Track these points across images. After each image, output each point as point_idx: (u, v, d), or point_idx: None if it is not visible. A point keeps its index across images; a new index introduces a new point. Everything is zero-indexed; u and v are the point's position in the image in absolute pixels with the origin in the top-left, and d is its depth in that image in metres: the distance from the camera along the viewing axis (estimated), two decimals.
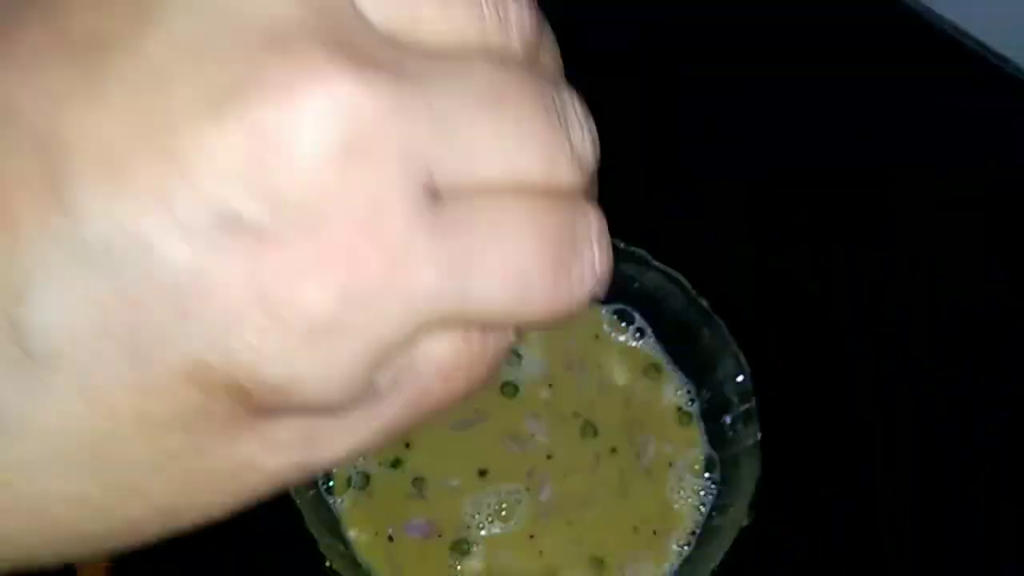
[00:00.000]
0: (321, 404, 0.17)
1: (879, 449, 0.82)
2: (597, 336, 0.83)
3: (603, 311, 0.85)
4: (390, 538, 0.73)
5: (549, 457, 0.74)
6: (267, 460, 0.18)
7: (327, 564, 0.64)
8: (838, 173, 0.93)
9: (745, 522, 0.67)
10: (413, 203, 0.16)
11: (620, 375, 0.80)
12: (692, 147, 0.93)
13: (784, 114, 0.95)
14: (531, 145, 0.18)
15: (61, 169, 0.14)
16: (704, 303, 0.77)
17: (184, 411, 0.16)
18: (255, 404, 0.16)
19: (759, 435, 0.70)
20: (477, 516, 0.72)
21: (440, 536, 0.71)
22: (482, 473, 0.74)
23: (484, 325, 0.19)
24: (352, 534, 0.74)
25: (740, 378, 0.74)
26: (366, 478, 0.76)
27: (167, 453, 0.17)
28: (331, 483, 0.76)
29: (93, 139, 0.14)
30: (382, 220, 0.16)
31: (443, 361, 0.19)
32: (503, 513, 0.72)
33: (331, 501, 0.75)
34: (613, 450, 0.76)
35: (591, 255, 0.20)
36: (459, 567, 0.70)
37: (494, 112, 0.17)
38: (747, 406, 0.73)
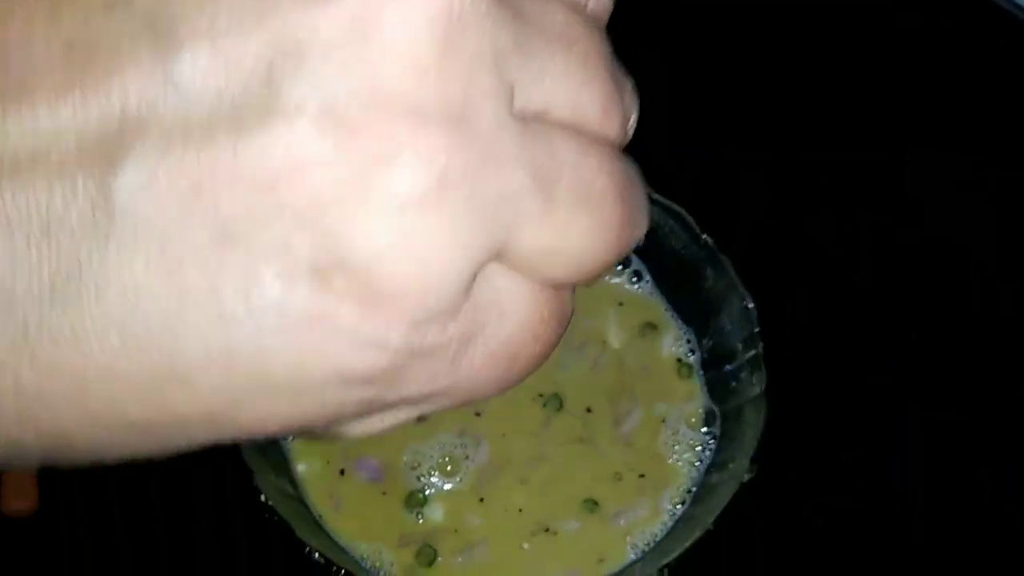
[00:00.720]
0: (411, 297, 0.16)
1: (890, 403, 0.75)
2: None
3: None
4: (341, 472, 0.66)
5: (477, 415, 0.66)
6: (349, 367, 0.17)
7: (262, 499, 0.58)
8: (862, 108, 0.86)
9: (746, 477, 0.60)
10: (504, 104, 0.16)
11: (615, 336, 0.73)
12: (699, 70, 0.86)
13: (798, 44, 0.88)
14: (593, 89, 0.19)
15: (168, 40, 0.15)
16: (708, 240, 0.70)
17: (261, 300, 0.15)
18: (345, 295, 0.16)
19: (764, 384, 0.63)
20: (421, 467, 0.65)
21: (388, 483, 0.64)
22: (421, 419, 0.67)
23: (557, 270, 0.19)
24: (301, 467, 0.67)
25: (746, 323, 0.67)
26: None
27: (232, 342, 0.16)
28: None
29: (201, 16, 0.15)
30: (476, 112, 0.16)
31: (528, 314, 0.19)
32: (448, 468, 0.65)
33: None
34: (588, 410, 0.69)
35: (645, 202, 0.21)
36: (420, 519, 0.63)
37: (566, 51, 0.18)
38: (752, 352, 0.66)
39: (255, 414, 0.17)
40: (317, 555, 0.56)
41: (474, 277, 0.17)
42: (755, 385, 0.65)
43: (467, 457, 0.66)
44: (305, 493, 0.65)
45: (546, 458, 0.67)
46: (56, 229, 0.15)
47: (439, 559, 0.62)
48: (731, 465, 0.63)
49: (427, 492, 0.64)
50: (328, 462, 0.67)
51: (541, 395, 0.68)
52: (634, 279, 0.77)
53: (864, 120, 0.86)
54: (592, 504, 0.65)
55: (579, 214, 0.18)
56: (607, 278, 0.77)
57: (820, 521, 0.71)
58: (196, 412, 0.17)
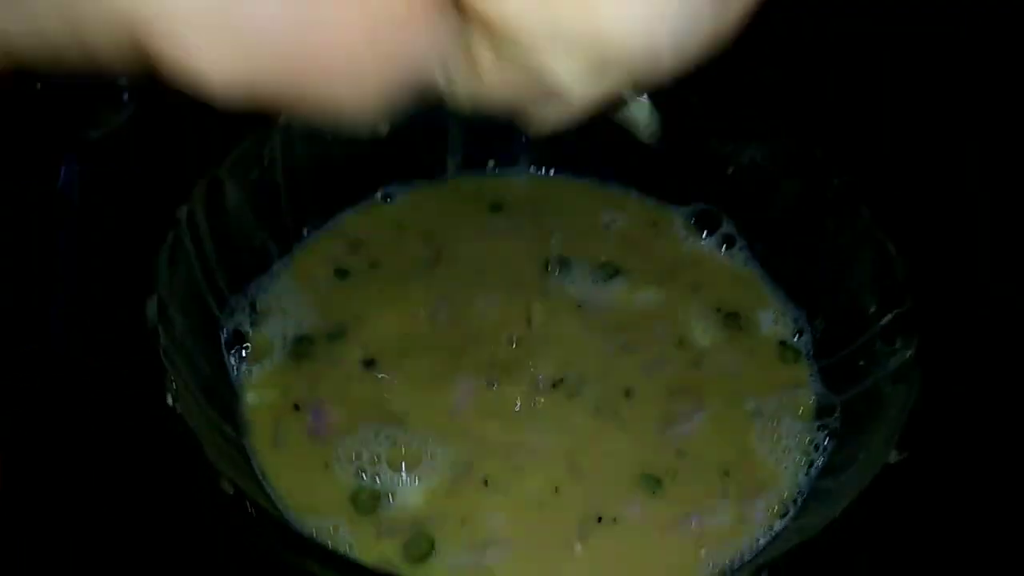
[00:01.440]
0: None
1: None
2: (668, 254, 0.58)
3: (674, 212, 0.61)
4: (296, 407, 0.48)
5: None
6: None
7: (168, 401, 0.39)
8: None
9: (892, 459, 0.39)
10: None
11: (701, 334, 0.54)
12: None
13: None
14: None
15: None
16: (836, 180, 0.52)
17: None
18: None
19: (915, 348, 0.44)
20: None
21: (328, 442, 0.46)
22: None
23: None
24: (251, 396, 0.48)
25: (884, 280, 0.48)
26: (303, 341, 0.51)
27: None
28: (246, 348, 0.51)
29: None
30: None
31: None
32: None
33: (236, 367, 0.50)
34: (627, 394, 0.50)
35: None
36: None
37: None
38: (894, 314, 0.46)
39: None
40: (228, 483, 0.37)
41: None
42: (898, 353, 0.45)
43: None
44: (245, 418, 0.47)
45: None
46: None
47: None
48: (860, 456, 0.43)
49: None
50: (284, 394, 0.49)
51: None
52: (724, 246, 0.59)
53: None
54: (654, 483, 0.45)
55: None
56: (688, 242, 0.60)
57: (978, 525, 0.49)
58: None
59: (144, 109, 0.74)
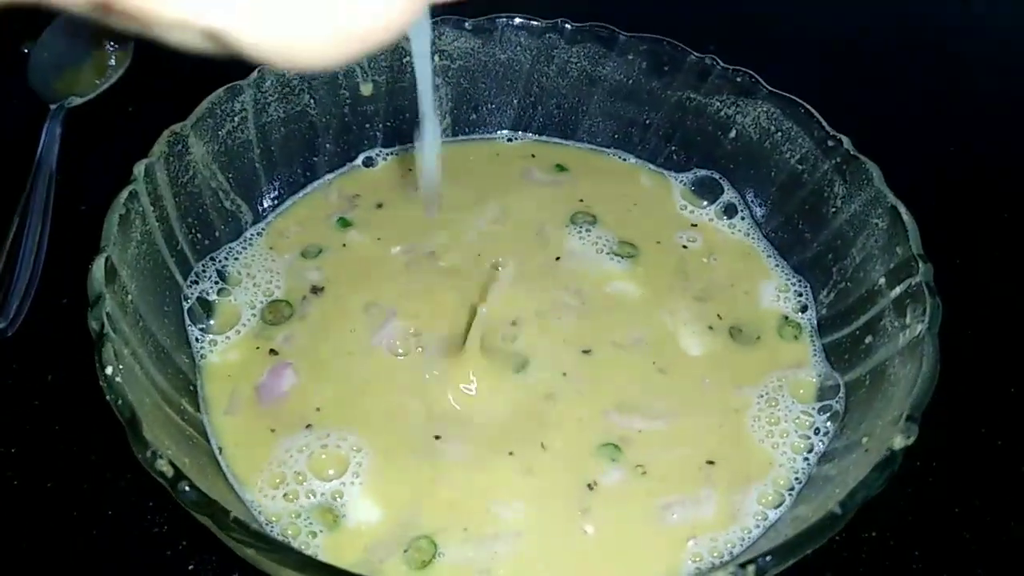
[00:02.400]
0: None
1: None
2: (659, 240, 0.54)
3: (674, 181, 0.57)
4: (272, 351, 0.45)
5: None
6: None
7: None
8: None
9: (899, 444, 0.35)
10: None
11: (692, 343, 0.50)
12: None
13: None
14: None
15: None
16: (844, 141, 0.48)
17: None
18: None
19: (928, 320, 0.40)
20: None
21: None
22: None
23: None
24: (210, 368, 0.45)
25: (897, 247, 0.44)
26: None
27: None
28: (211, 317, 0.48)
29: None
30: None
31: None
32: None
33: (200, 337, 0.47)
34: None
35: None
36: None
37: None
38: (908, 284, 0.42)
39: None
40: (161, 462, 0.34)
41: None
42: (908, 328, 0.41)
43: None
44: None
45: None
46: None
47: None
48: (864, 441, 0.39)
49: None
50: (245, 366, 0.46)
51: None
52: (725, 215, 0.55)
53: None
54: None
55: None
56: (686, 211, 0.56)
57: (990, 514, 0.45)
58: None
59: (129, 76, 0.72)
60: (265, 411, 0.44)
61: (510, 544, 0.40)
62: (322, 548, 0.39)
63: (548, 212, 0.54)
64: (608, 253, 0.52)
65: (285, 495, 0.41)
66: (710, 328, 0.49)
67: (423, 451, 0.42)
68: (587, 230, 0.54)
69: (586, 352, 0.47)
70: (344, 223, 0.53)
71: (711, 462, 0.42)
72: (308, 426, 0.43)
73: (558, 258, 0.52)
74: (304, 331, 0.48)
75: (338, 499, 0.41)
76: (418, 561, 0.39)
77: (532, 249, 0.52)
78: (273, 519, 0.40)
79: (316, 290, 0.50)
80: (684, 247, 0.53)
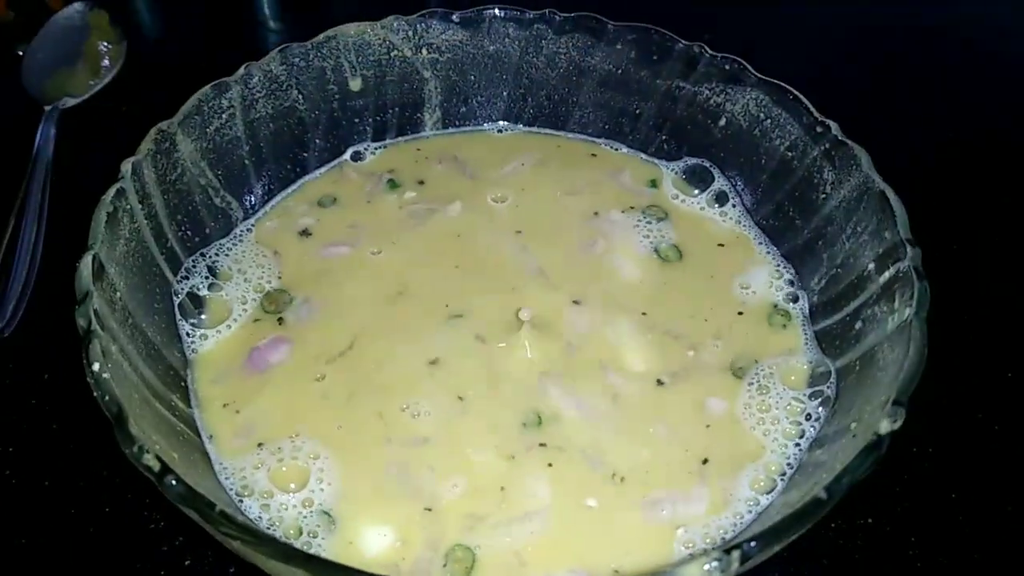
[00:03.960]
0: None
1: None
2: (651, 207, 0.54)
3: (665, 170, 0.57)
4: (267, 312, 0.45)
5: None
6: None
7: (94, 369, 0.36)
8: None
9: (885, 429, 0.35)
10: None
11: (681, 274, 0.50)
12: None
13: None
14: None
15: None
16: (832, 127, 0.48)
17: None
18: None
19: (916, 305, 0.39)
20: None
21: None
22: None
23: None
24: (201, 363, 0.46)
25: (885, 232, 0.44)
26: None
27: None
28: (201, 312, 0.48)
29: None
30: None
31: None
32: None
33: (190, 332, 0.47)
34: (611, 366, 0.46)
35: None
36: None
37: None
38: (897, 268, 0.42)
39: None
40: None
41: None
42: (896, 313, 0.41)
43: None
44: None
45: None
46: None
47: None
48: (853, 426, 0.39)
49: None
50: (232, 361, 0.46)
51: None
52: (716, 203, 0.55)
53: None
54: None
55: None
56: (677, 199, 0.56)
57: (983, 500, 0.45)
58: None
59: (122, 77, 0.72)
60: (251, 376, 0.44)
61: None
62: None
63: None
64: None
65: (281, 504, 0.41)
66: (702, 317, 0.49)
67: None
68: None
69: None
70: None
71: (706, 460, 0.42)
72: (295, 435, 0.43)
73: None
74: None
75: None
76: (463, 571, 0.39)
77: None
78: (276, 523, 0.40)
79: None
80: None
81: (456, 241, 0.52)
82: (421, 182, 0.56)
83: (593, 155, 0.58)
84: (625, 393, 0.45)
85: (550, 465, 0.42)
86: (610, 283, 0.50)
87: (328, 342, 0.46)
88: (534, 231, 0.52)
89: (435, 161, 0.57)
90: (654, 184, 0.56)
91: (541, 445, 0.42)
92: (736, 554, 0.31)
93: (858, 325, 0.44)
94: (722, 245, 0.53)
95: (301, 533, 0.40)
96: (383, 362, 0.46)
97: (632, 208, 0.54)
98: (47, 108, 0.70)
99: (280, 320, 0.48)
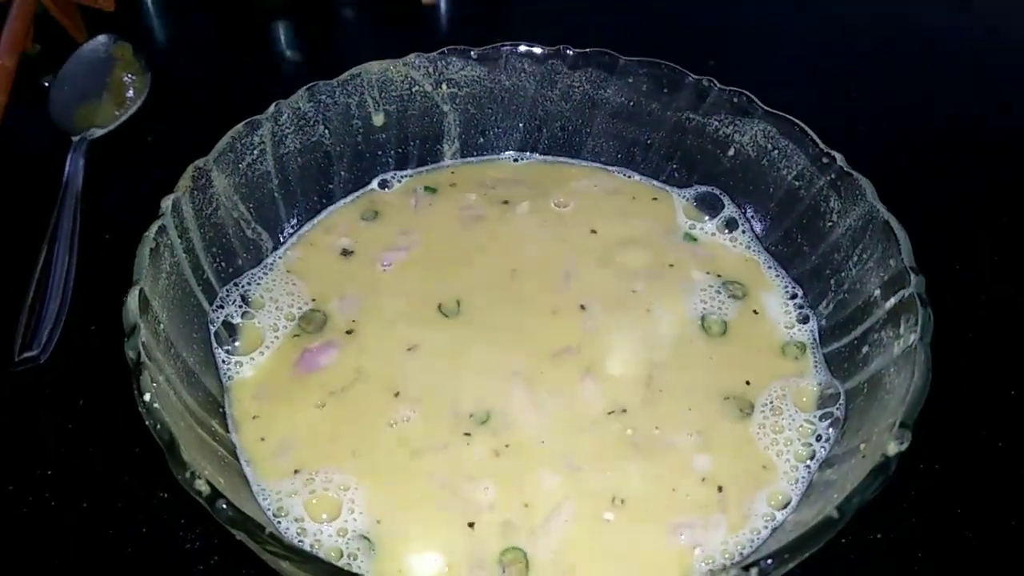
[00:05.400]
0: None
1: None
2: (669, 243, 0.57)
3: (677, 197, 0.59)
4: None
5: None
6: None
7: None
8: None
9: (893, 451, 0.37)
10: None
11: (693, 305, 0.52)
12: None
13: None
14: None
15: None
16: (838, 158, 0.50)
17: None
18: None
19: (920, 330, 0.42)
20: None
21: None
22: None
23: None
24: (237, 390, 0.48)
25: (890, 258, 0.46)
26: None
27: None
28: (236, 340, 0.50)
29: None
30: None
31: None
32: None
33: (226, 360, 0.50)
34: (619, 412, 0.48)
35: None
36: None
37: None
38: (900, 296, 0.44)
39: None
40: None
41: None
42: (902, 338, 0.43)
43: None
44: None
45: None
46: None
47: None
48: (861, 447, 0.41)
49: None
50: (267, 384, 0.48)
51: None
52: (727, 229, 0.58)
53: None
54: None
55: None
56: (690, 226, 0.58)
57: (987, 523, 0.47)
58: None
59: (147, 107, 0.75)
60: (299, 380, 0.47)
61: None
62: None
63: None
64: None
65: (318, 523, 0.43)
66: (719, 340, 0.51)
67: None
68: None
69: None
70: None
71: (720, 488, 0.44)
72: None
73: None
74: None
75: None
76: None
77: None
78: (316, 545, 0.42)
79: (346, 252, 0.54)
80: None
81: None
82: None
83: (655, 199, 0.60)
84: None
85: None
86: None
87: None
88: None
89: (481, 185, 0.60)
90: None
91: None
92: (754, 571, 0.33)
93: (865, 349, 0.46)
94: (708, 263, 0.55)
95: (342, 556, 0.42)
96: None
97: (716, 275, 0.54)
98: (75, 139, 0.72)
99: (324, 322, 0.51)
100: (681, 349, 0.50)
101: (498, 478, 0.44)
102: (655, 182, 0.61)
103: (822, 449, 0.45)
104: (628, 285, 0.53)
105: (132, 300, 0.41)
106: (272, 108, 0.54)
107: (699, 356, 0.50)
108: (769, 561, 0.33)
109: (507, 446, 0.45)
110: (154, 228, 0.45)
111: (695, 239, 0.56)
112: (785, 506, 0.43)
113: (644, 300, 0.52)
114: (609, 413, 0.47)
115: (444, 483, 0.44)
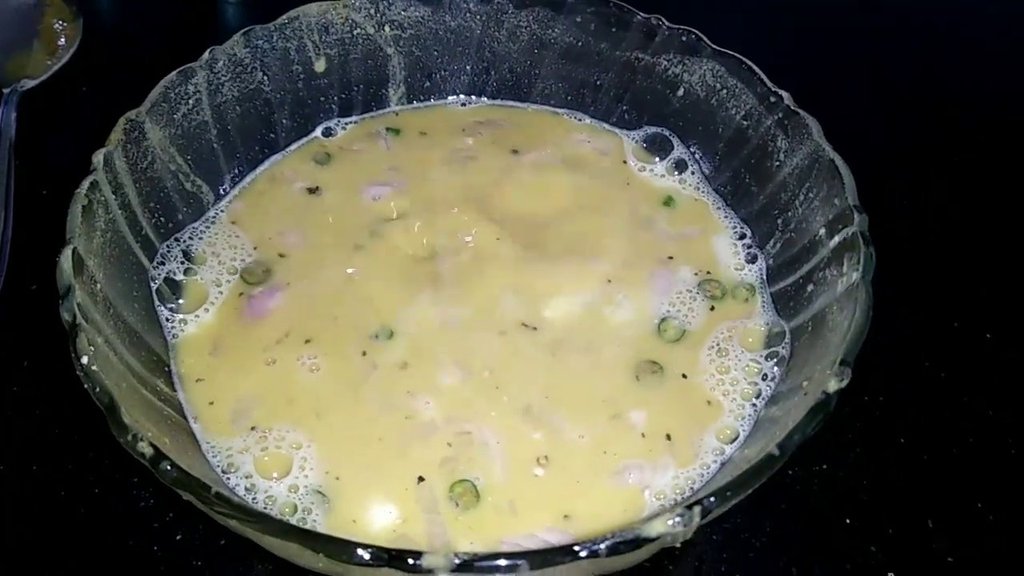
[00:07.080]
0: None
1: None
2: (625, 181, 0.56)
3: (626, 139, 0.59)
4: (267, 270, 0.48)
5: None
6: None
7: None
8: None
9: (833, 387, 0.38)
10: None
11: (636, 243, 0.52)
12: None
13: None
14: None
15: None
16: (785, 96, 0.50)
17: None
18: None
19: (862, 267, 0.42)
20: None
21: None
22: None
23: None
24: (183, 347, 0.47)
25: (835, 198, 0.46)
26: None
27: None
28: (178, 297, 0.49)
29: None
30: None
31: None
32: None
33: (169, 317, 0.49)
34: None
35: None
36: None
37: None
38: (845, 234, 0.45)
39: None
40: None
41: None
42: (844, 276, 0.43)
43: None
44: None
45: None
46: None
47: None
48: (805, 384, 0.42)
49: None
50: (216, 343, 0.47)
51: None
52: (676, 171, 0.57)
53: None
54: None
55: None
56: (639, 169, 0.58)
57: (922, 453, 0.49)
58: None
59: (80, 55, 0.72)
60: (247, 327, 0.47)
61: None
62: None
63: None
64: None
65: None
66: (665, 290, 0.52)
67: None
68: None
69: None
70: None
71: (669, 436, 0.45)
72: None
73: None
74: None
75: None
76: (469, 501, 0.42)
77: None
78: (269, 502, 0.42)
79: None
80: None
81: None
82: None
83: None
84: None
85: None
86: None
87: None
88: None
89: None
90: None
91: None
92: (697, 509, 0.33)
93: (810, 287, 0.47)
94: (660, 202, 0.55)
95: (296, 511, 0.42)
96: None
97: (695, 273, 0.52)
98: (5, 91, 0.69)
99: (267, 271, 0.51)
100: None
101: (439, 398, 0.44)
102: (605, 125, 0.60)
103: (768, 388, 0.46)
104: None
105: (65, 261, 0.40)
106: (207, 55, 0.52)
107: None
108: (712, 499, 0.34)
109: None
110: (85, 184, 0.44)
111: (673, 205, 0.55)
112: (734, 440, 0.44)
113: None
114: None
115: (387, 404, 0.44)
